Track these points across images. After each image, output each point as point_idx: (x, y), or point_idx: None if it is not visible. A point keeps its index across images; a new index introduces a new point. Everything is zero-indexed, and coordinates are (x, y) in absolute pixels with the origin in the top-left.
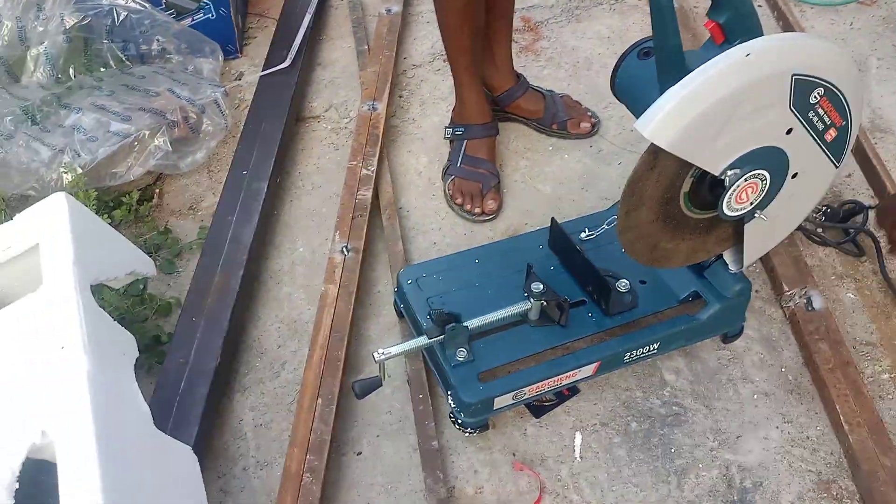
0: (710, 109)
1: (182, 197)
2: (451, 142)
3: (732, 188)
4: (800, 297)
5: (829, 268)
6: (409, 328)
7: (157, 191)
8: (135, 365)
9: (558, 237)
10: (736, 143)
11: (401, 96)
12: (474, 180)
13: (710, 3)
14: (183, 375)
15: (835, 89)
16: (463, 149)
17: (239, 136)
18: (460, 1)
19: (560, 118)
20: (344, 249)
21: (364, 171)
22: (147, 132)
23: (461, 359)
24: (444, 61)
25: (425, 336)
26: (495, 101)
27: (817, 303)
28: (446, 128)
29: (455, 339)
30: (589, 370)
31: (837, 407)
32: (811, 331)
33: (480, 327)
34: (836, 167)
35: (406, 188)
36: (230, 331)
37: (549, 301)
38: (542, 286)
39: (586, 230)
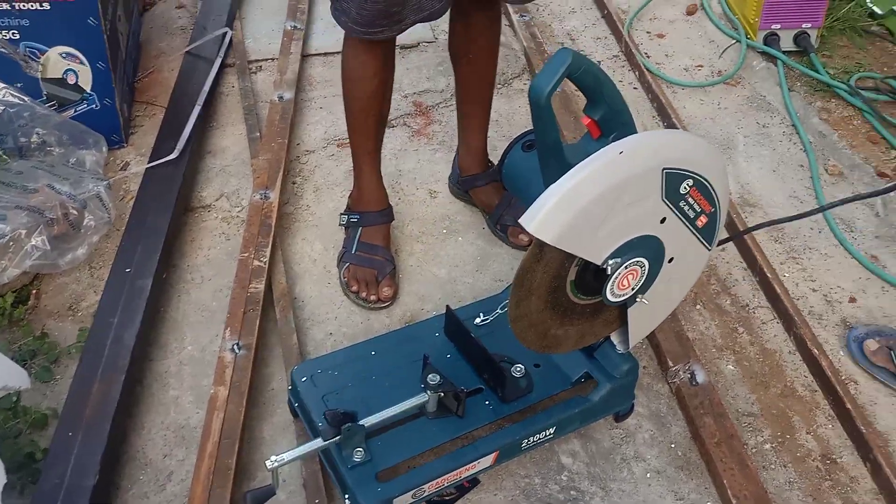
0: (589, 204)
1: (61, 297)
2: (346, 228)
3: (614, 276)
4: (683, 371)
5: (710, 340)
6: (304, 428)
7: (34, 291)
8: (4, 489)
9: (453, 324)
10: (615, 233)
11: (294, 183)
12: (369, 267)
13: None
14: (59, 497)
15: (702, 179)
16: (358, 235)
17: (123, 229)
18: (369, 86)
19: (504, 221)
20: (234, 347)
21: (256, 263)
22: (23, 231)
23: (358, 459)
24: (339, 146)
25: (320, 438)
26: (459, 182)
27: (700, 377)
28: (341, 214)
29: (351, 440)
30: (488, 460)
31: (724, 481)
32: (696, 405)
33: (378, 424)
34: (709, 250)
35: (301, 277)
36: (111, 442)
37: (445, 392)
38: (438, 377)
39: (481, 315)
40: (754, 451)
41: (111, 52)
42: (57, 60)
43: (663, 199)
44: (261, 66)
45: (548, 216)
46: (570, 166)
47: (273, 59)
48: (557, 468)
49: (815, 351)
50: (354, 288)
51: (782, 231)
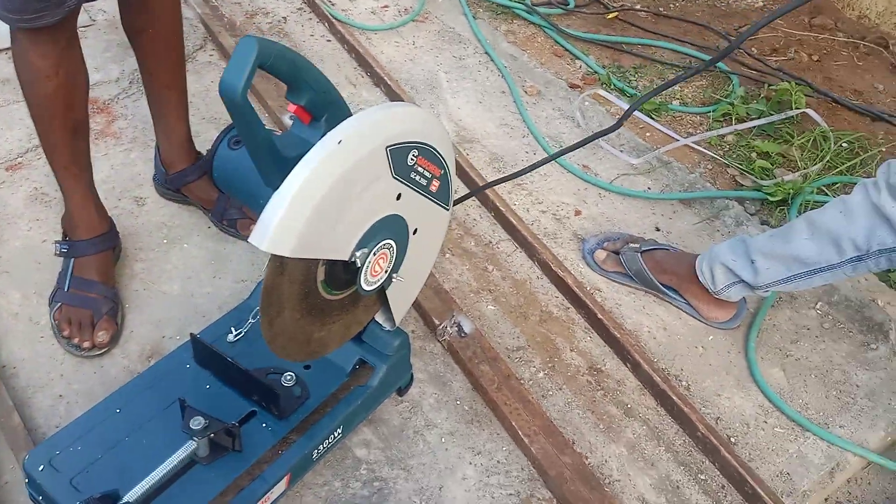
0: (320, 205)
1: None
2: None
3: (365, 266)
4: (450, 326)
5: (466, 286)
6: None
7: None
8: None
9: (203, 351)
10: (355, 224)
11: None
12: (83, 307)
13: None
14: None
15: (425, 146)
16: (70, 268)
17: None
18: (45, 88)
19: (231, 216)
20: None
21: None
22: None
23: None
24: (7, 170)
25: None
26: (167, 181)
27: (467, 327)
28: (55, 242)
29: None
30: (282, 486)
31: (513, 422)
32: (469, 356)
33: (148, 492)
34: (447, 210)
35: (3, 338)
36: None
37: (216, 432)
38: (201, 419)
39: (232, 330)
40: (531, 383)
41: None
42: None
43: (394, 177)
44: None
45: (279, 230)
46: (288, 160)
47: None
48: (354, 464)
49: (559, 272)
50: (66, 332)
51: (503, 163)
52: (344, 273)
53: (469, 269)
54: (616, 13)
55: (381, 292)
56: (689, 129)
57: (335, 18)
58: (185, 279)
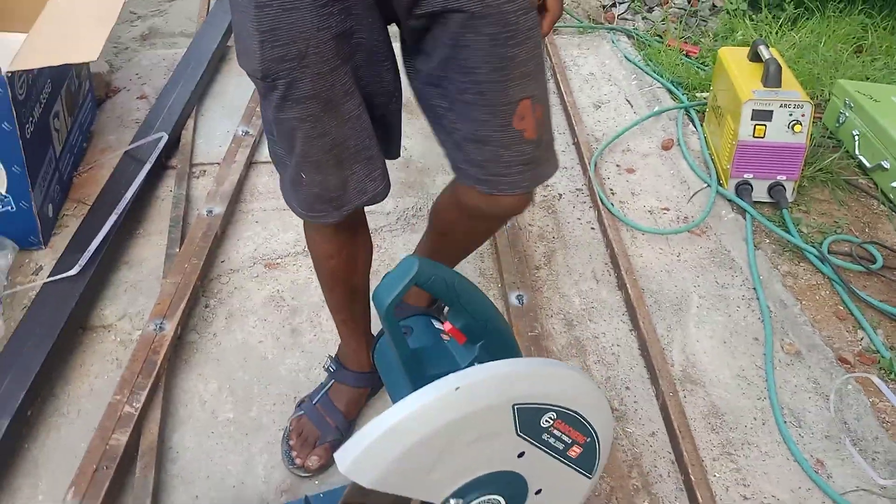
0: (414, 447)
1: None
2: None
3: None
4: None
5: None
6: None
7: None
8: None
9: None
10: (456, 473)
11: (207, 306)
12: (317, 427)
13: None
14: None
15: (567, 411)
16: (328, 388)
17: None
18: (328, 265)
19: None
20: None
21: (127, 409)
22: None
23: None
24: (266, 267)
25: None
26: None
27: None
28: (328, 356)
29: None
30: None
31: None
32: None
33: None
34: (591, 478)
35: (183, 423)
36: None
37: None
38: None
39: None
40: None
41: (30, 155)
42: None
43: (519, 434)
44: (205, 171)
45: (364, 458)
46: (426, 377)
47: (219, 164)
48: None
49: None
50: (292, 441)
51: (722, 420)
52: None
53: None
54: None
55: None
56: None
57: (606, 208)
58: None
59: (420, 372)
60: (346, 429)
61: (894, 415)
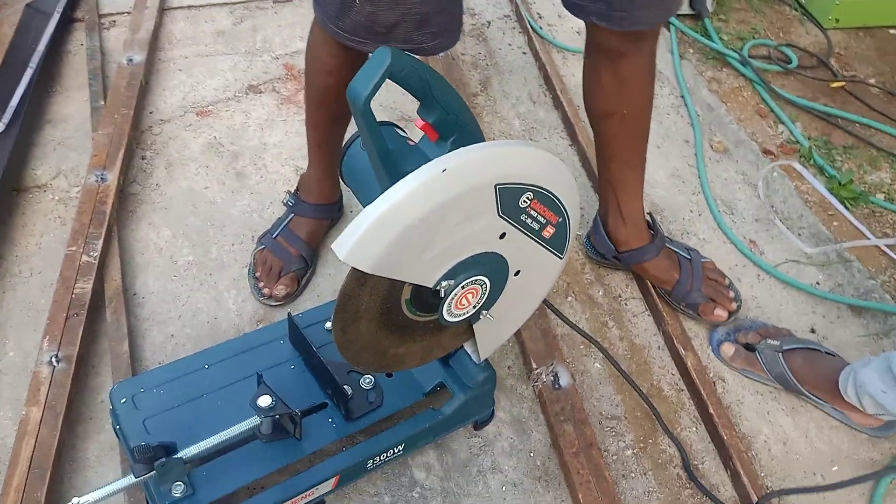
0: (409, 229)
1: None
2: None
3: (450, 297)
4: (546, 374)
5: (578, 336)
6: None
7: None
8: None
9: (296, 332)
10: (446, 254)
11: (143, 158)
12: (280, 257)
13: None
14: None
15: (543, 191)
16: (287, 221)
17: None
18: (324, 81)
19: (693, 299)
20: (53, 360)
21: (85, 259)
22: None
23: (178, 494)
24: (198, 115)
25: (132, 475)
26: (620, 258)
27: (564, 380)
28: (287, 191)
29: (168, 475)
30: (329, 485)
31: (580, 495)
32: (557, 411)
33: (202, 453)
34: (562, 258)
35: (143, 269)
36: None
37: (279, 415)
38: (270, 399)
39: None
40: (615, 458)
41: None
42: None
43: (500, 215)
44: (115, 21)
45: (362, 244)
46: (403, 173)
47: (129, 14)
48: (409, 484)
49: (682, 349)
50: (258, 274)
51: (662, 216)
52: (432, 297)
53: (588, 319)
54: (843, 83)
55: (470, 325)
56: (887, 229)
57: (535, 32)
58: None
59: (397, 169)
60: (310, 257)
61: (815, 195)
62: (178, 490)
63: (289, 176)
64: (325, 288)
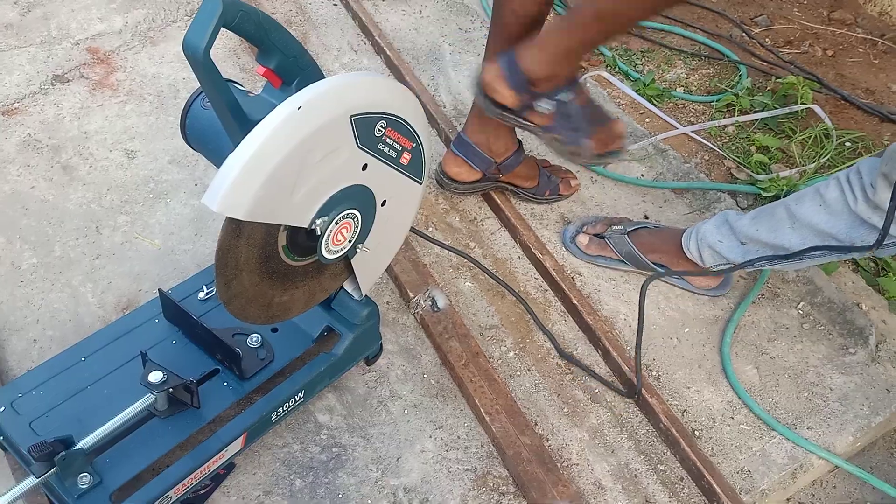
0: (275, 170)
1: None
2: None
3: (326, 235)
4: (424, 300)
5: (446, 261)
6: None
7: None
8: None
9: (170, 307)
10: (315, 192)
11: None
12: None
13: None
14: None
15: (395, 118)
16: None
17: None
18: None
19: (554, 182)
20: None
21: None
22: None
23: (85, 486)
24: (4, 114)
25: (32, 476)
26: (499, 169)
27: (441, 302)
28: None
29: (70, 468)
30: (237, 444)
31: (476, 400)
32: (440, 331)
33: (101, 441)
34: (421, 183)
35: None
36: None
37: (175, 387)
38: (161, 374)
39: (204, 288)
40: (500, 362)
41: None
42: None
43: (359, 147)
44: None
45: (232, 191)
46: (254, 123)
47: None
48: (315, 428)
49: (539, 254)
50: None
51: None
52: (307, 240)
53: (452, 245)
54: None
55: (347, 262)
56: (691, 117)
57: None
58: (167, 235)
59: (248, 119)
60: None
61: (626, 98)
62: (84, 481)
63: (120, 161)
64: (187, 263)
